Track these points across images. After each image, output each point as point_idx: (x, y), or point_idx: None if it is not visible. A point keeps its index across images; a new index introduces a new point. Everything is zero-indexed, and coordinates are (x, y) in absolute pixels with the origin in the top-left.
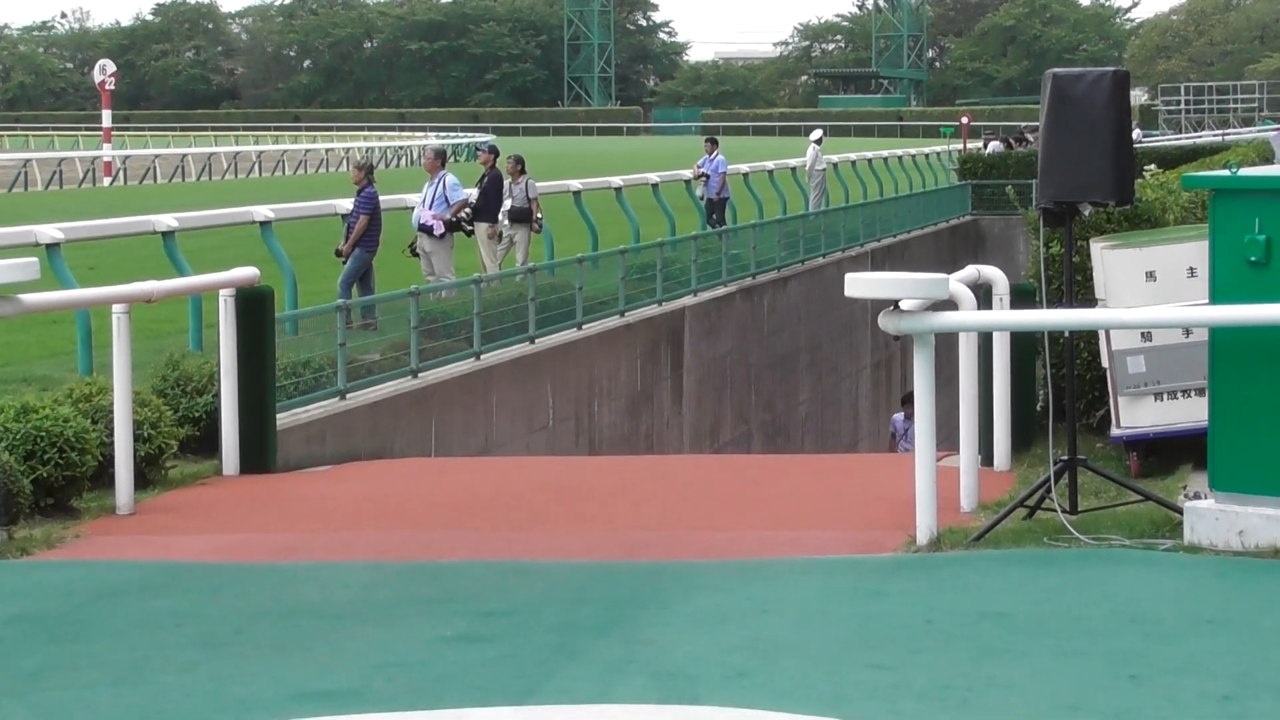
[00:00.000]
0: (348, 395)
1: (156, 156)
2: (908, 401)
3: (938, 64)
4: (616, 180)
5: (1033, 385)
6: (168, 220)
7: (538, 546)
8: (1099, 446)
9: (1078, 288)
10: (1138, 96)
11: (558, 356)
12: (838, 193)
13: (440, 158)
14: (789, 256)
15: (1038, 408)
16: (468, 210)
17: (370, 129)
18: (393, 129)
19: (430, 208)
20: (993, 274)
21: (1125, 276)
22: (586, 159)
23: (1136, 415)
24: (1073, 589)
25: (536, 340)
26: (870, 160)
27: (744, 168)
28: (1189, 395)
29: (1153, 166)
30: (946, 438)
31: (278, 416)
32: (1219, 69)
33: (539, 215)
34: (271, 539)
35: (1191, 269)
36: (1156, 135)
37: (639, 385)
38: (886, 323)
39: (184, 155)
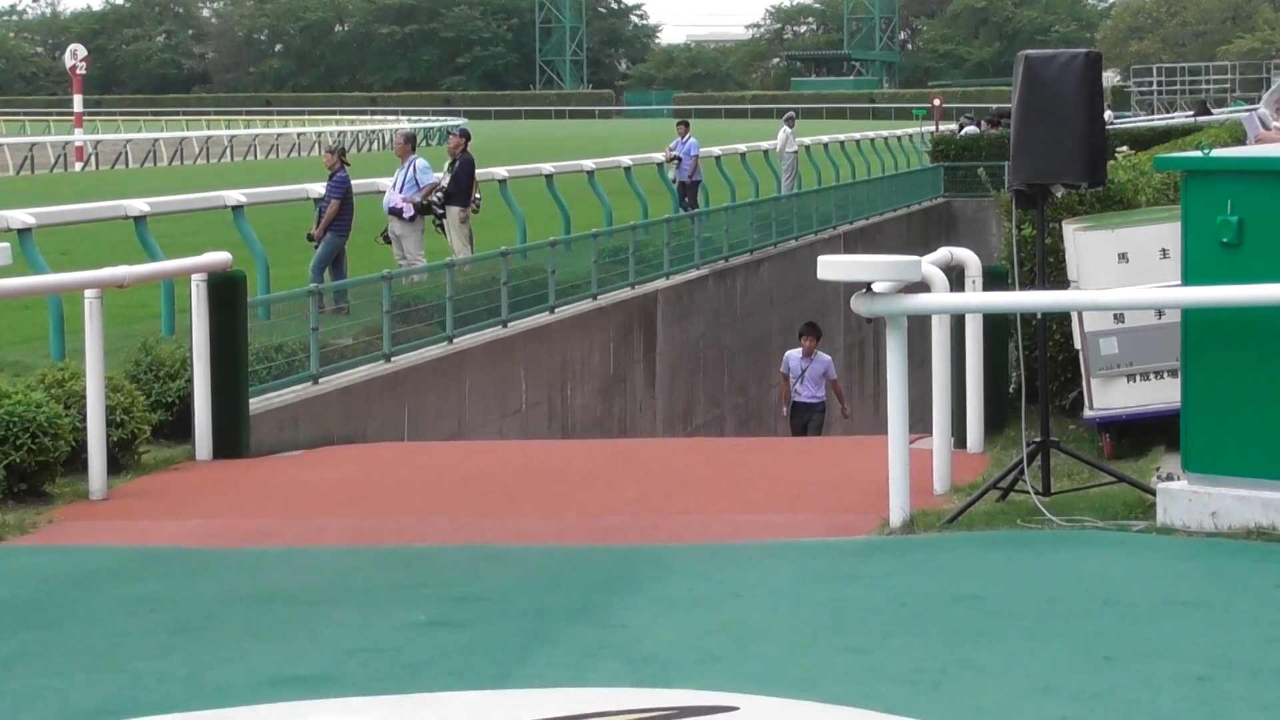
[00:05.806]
0: (320, 380)
1: (128, 141)
2: (805, 334)
3: (909, 46)
4: (589, 163)
5: (1005, 367)
6: (139, 205)
7: (511, 531)
8: (1072, 428)
9: (1050, 270)
10: (1110, 78)
11: (530, 340)
12: (810, 175)
13: (410, 142)
14: (761, 239)
15: (1010, 390)
16: (439, 194)
17: (342, 113)
18: (364, 113)
19: (400, 192)
20: (965, 256)
21: (1098, 258)
22: (558, 142)
23: (1109, 397)
24: (1046, 571)
25: (509, 324)
26: (842, 142)
27: (716, 150)
28: (1161, 376)
29: (1125, 148)
30: (919, 420)
31: (250, 401)
32: (1191, 50)
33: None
34: (244, 524)
35: (1164, 250)
36: (1128, 116)
37: (611, 369)
38: (859, 305)
39: (155, 140)
